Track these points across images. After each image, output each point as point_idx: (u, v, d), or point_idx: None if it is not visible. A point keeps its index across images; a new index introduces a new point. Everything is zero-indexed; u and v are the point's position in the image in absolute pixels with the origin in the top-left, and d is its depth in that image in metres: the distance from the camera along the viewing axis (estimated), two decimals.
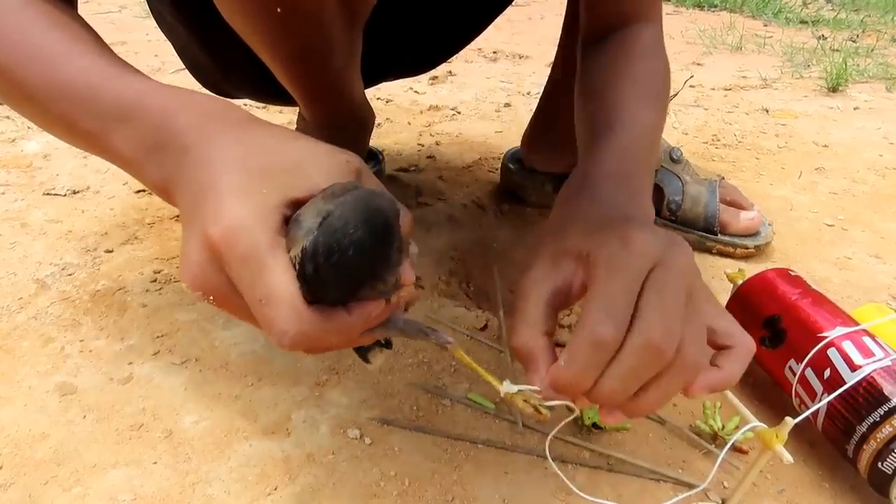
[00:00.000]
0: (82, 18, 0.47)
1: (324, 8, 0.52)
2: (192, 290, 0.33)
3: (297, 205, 0.32)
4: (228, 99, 0.88)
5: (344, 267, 0.29)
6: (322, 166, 0.33)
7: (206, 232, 0.31)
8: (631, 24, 0.60)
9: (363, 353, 0.44)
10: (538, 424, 0.55)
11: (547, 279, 0.39)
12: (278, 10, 0.49)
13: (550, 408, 0.37)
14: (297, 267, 0.30)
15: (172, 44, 0.77)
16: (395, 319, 0.37)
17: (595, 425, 0.54)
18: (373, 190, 0.31)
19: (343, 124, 0.78)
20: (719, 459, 0.43)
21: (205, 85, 0.81)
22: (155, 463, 0.50)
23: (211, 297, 0.33)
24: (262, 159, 0.33)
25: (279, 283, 0.30)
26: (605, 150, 0.48)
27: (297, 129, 0.90)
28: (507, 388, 0.38)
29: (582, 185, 0.47)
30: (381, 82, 0.87)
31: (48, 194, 0.88)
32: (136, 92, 0.39)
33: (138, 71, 0.43)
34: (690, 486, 0.50)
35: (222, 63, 0.72)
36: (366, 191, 0.30)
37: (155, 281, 0.71)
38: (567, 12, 0.83)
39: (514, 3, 0.84)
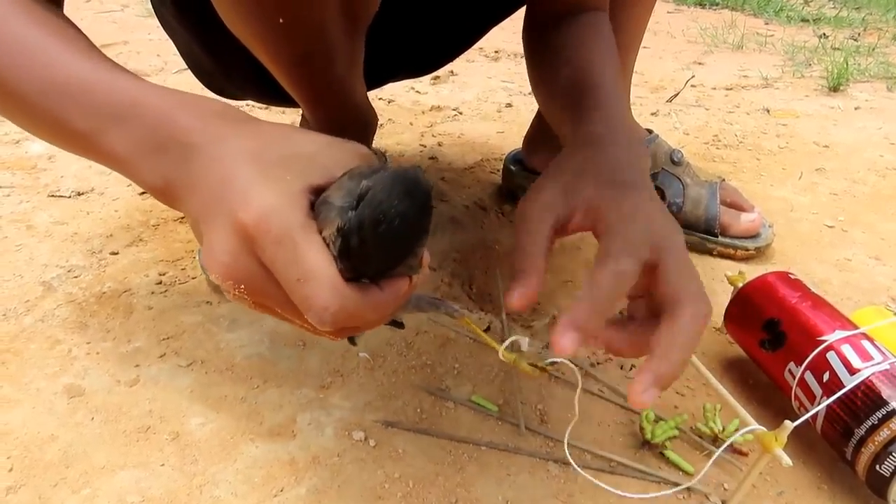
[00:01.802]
0: (68, 18, 0.47)
1: (325, 15, 0.53)
2: (223, 279, 0.33)
3: (318, 191, 0.32)
4: (231, 100, 0.89)
5: (391, 237, 0.30)
6: (334, 155, 0.34)
7: (236, 219, 0.31)
8: (588, 11, 0.64)
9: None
10: (541, 427, 0.56)
11: (554, 208, 0.42)
12: (280, 20, 0.49)
13: (553, 366, 0.41)
14: (338, 243, 0.30)
15: (175, 45, 0.78)
16: (410, 297, 0.38)
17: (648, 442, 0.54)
18: (401, 168, 0.31)
19: (346, 127, 0.78)
20: (714, 457, 0.44)
21: (207, 86, 0.81)
22: (162, 465, 0.51)
23: (242, 287, 0.33)
24: (277, 151, 0.34)
25: (317, 261, 0.30)
26: (602, 110, 0.51)
27: None
28: (524, 344, 0.41)
29: (588, 141, 0.49)
30: (384, 84, 0.87)
31: (53, 196, 0.89)
32: (130, 92, 0.38)
33: (130, 73, 0.42)
34: (691, 489, 0.51)
35: (225, 65, 0.73)
36: (401, 167, 0.31)
37: (160, 283, 0.72)
38: None
39: None
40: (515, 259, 0.41)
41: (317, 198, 0.32)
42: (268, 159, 0.33)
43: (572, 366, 0.41)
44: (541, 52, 0.65)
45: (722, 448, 0.45)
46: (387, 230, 0.29)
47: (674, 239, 0.40)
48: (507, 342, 0.42)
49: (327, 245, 0.31)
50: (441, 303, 0.41)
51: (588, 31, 0.63)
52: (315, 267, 0.30)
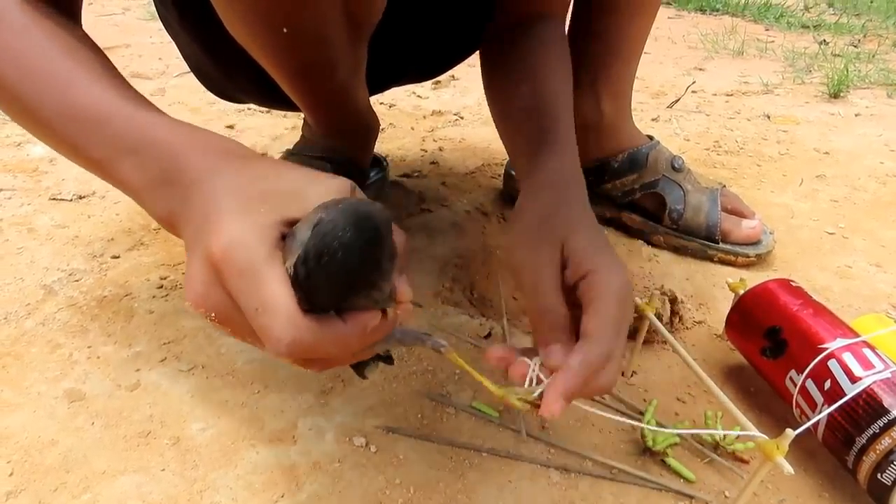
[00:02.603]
0: (87, 37, 0.48)
1: (328, 25, 0.53)
2: (195, 308, 0.34)
3: (293, 223, 0.33)
4: (233, 103, 0.89)
5: (335, 269, 0.30)
6: (317, 189, 0.35)
7: (207, 250, 0.33)
8: (544, 20, 0.67)
9: (359, 368, 0.45)
10: (542, 433, 0.56)
11: (555, 263, 0.46)
12: (284, 30, 0.50)
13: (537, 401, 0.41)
14: (293, 274, 0.31)
15: (178, 48, 0.78)
16: (392, 333, 0.38)
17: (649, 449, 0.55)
18: (362, 200, 0.32)
19: (347, 132, 0.78)
20: (691, 432, 0.44)
21: (209, 89, 0.81)
22: (163, 470, 0.51)
23: (213, 315, 0.34)
24: (260, 185, 0.35)
25: (274, 292, 0.31)
26: (564, 154, 0.56)
27: (302, 135, 0.90)
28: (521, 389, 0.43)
29: (555, 182, 0.54)
30: (386, 90, 0.87)
31: (54, 199, 0.89)
32: (143, 126, 0.41)
33: (143, 98, 0.45)
34: (692, 497, 0.51)
35: (227, 68, 0.73)
36: (356, 200, 0.31)
37: (161, 287, 0.72)
38: (571, 20, 0.84)
39: None
40: (547, 319, 0.44)
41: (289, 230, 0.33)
42: (249, 193, 0.35)
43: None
44: (496, 65, 0.68)
45: (709, 431, 0.45)
46: (330, 262, 0.29)
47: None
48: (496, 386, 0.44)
49: (289, 276, 0.31)
50: (427, 338, 0.41)
51: (543, 47, 0.66)
52: (272, 298, 0.31)
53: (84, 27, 0.50)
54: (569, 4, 0.71)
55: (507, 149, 0.63)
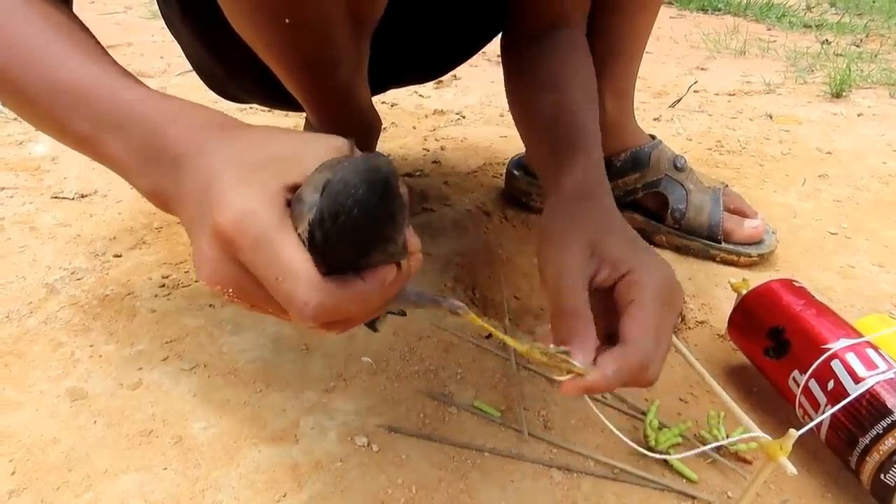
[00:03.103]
0: (78, 18, 0.48)
1: (331, 20, 0.53)
2: (210, 285, 0.33)
3: (295, 189, 0.33)
4: (235, 103, 0.89)
5: (352, 226, 0.29)
6: (313, 151, 0.34)
7: (215, 225, 0.32)
8: (564, 28, 0.68)
9: (372, 322, 0.45)
10: (544, 433, 0.56)
11: (585, 269, 0.45)
12: (286, 20, 0.49)
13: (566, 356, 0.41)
14: (307, 239, 0.31)
15: (180, 47, 0.78)
16: (407, 292, 0.39)
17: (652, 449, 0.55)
18: (365, 156, 0.31)
19: (349, 131, 0.78)
20: (702, 449, 0.44)
21: (212, 88, 0.81)
22: (165, 469, 0.51)
23: (230, 290, 0.33)
24: (256, 154, 0.34)
25: (293, 258, 0.31)
26: (590, 163, 0.56)
27: None
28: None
29: (582, 192, 0.53)
30: (389, 89, 0.87)
31: (56, 198, 0.89)
32: (127, 101, 0.40)
33: (131, 76, 0.44)
34: (695, 497, 0.51)
35: (229, 68, 0.73)
36: (361, 155, 0.31)
37: (163, 286, 0.72)
38: None
39: None
40: (566, 320, 0.43)
41: (294, 195, 0.33)
42: (246, 163, 0.34)
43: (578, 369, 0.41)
44: (519, 73, 0.68)
45: (713, 445, 0.45)
46: (346, 221, 0.29)
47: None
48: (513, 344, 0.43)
49: (302, 241, 0.31)
50: (443, 300, 0.41)
51: (567, 55, 0.66)
52: (291, 264, 0.31)
53: (86, 25, 0.50)
54: (585, 13, 0.70)
55: (532, 157, 0.64)
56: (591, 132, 0.59)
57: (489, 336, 0.67)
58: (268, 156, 0.34)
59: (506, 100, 0.71)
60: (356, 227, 0.29)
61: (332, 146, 0.35)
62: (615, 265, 0.45)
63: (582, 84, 0.64)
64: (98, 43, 0.47)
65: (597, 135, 0.59)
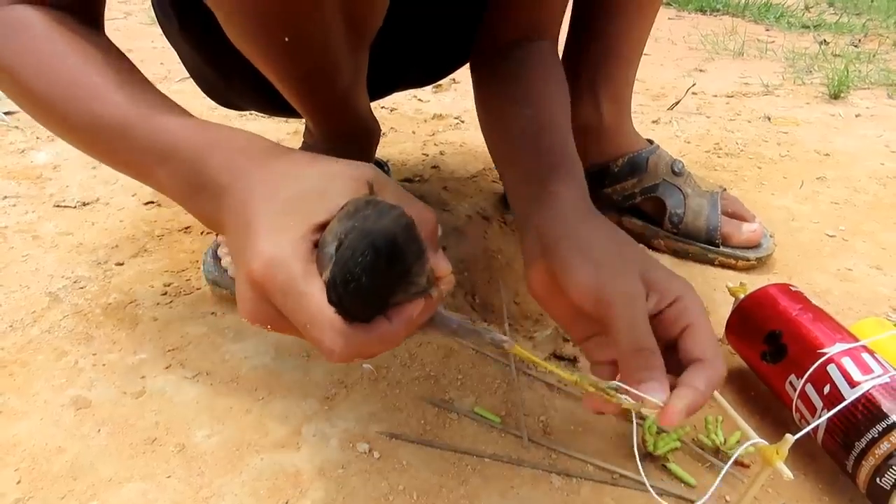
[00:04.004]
0: (110, 42, 0.50)
1: (329, 33, 0.53)
2: (251, 323, 0.36)
3: (322, 227, 0.35)
4: (234, 110, 0.89)
5: (363, 292, 0.31)
6: (337, 187, 0.36)
7: (249, 271, 0.34)
8: (541, 39, 0.67)
9: None
10: (544, 438, 0.57)
11: (643, 301, 0.44)
12: (286, 39, 0.50)
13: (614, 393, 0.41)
14: (327, 293, 0.32)
15: (178, 55, 0.79)
16: (448, 320, 0.40)
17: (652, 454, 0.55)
18: (380, 208, 0.32)
19: (349, 138, 0.79)
20: (721, 475, 0.44)
21: (209, 95, 0.82)
22: (168, 477, 0.52)
23: (269, 327, 0.36)
24: (286, 192, 0.37)
25: (317, 307, 0.33)
26: (580, 181, 0.55)
27: (303, 141, 0.91)
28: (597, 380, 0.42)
29: (587, 214, 0.52)
30: (387, 95, 0.88)
31: (58, 206, 0.89)
32: (168, 133, 0.42)
33: (169, 101, 0.46)
34: (693, 501, 0.51)
35: (227, 77, 0.73)
36: (374, 210, 0.32)
37: (165, 294, 0.72)
38: (571, 23, 0.84)
39: None
40: (644, 359, 0.42)
41: (321, 233, 0.34)
42: (277, 202, 0.36)
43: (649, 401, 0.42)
44: (491, 86, 0.67)
45: (727, 465, 0.45)
46: (356, 287, 0.31)
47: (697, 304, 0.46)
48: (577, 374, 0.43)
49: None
50: (487, 331, 0.41)
51: (541, 70, 0.65)
52: (317, 313, 0.33)
53: (120, 49, 0.51)
54: (560, 25, 0.71)
55: (506, 171, 0.61)
56: (574, 154, 0.58)
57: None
58: (298, 193, 0.36)
59: None
60: (367, 291, 0.31)
61: (358, 180, 0.37)
62: (663, 294, 0.45)
63: (557, 100, 0.64)
64: (132, 66, 0.49)
65: (577, 155, 0.59)
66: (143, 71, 0.50)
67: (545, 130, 0.59)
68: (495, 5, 0.68)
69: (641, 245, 0.51)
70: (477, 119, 0.70)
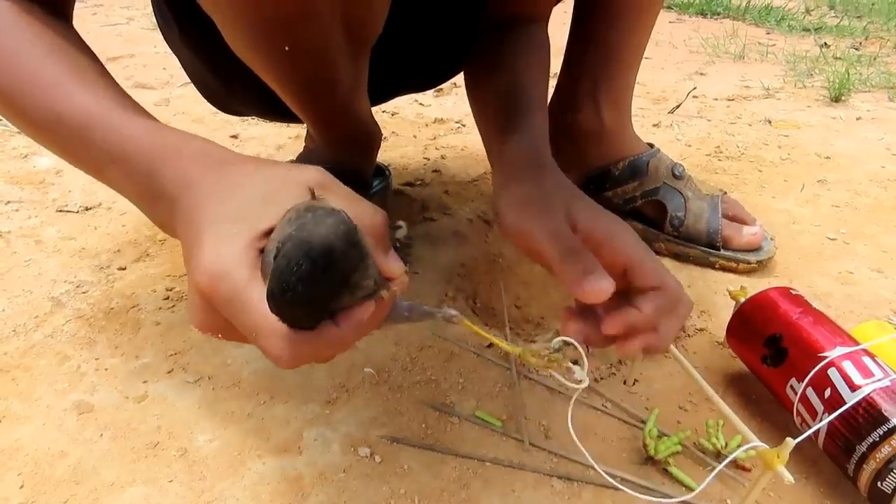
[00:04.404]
0: (77, 36, 0.49)
1: (330, 41, 0.54)
2: (202, 332, 0.37)
3: (269, 233, 0.35)
4: (234, 115, 0.89)
5: (299, 301, 0.31)
6: (286, 193, 0.37)
7: (196, 282, 0.35)
8: (533, 21, 0.73)
9: None
10: (545, 442, 0.57)
11: (567, 225, 0.47)
12: (286, 47, 0.51)
13: (558, 356, 0.42)
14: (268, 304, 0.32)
15: (180, 62, 0.79)
16: (399, 307, 0.40)
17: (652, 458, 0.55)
18: (317, 215, 0.32)
19: (350, 143, 0.79)
20: (714, 473, 0.44)
21: (211, 102, 0.82)
22: (170, 481, 0.52)
23: (219, 335, 0.37)
24: (233, 200, 0.37)
25: (261, 315, 0.33)
26: (541, 129, 0.60)
27: (305, 146, 0.92)
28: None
29: (535, 157, 0.57)
30: (389, 100, 0.88)
31: (61, 211, 0.90)
32: (125, 136, 0.42)
33: (130, 102, 0.46)
34: None
35: (228, 84, 0.74)
36: (310, 219, 0.31)
37: (167, 298, 0.72)
38: (571, 28, 0.85)
39: None
40: (576, 260, 0.44)
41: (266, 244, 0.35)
42: (224, 210, 0.36)
43: (581, 349, 0.42)
44: (479, 59, 0.72)
45: (723, 464, 0.46)
46: (293, 297, 0.30)
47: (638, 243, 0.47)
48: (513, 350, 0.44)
49: None
50: (437, 310, 0.42)
51: (526, 45, 0.70)
52: (262, 322, 0.33)
53: (88, 37, 0.51)
54: (552, 7, 0.75)
55: (481, 128, 0.68)
56: (540, 104, 0.64)
57: (490, 345, 0.68)
58: (243, 201, 0.37)
59: None
60: (304, 298, 0.31)
61: (303, 184, 0.37)
62: (592, 231, 0.47)
63: (535, 68, 0.68)
64: (98, 64, 0.49)
65: (545, 109, 0.64)
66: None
67: (516, 90, 0.64)
68: None
69: (577, 190, 0.52)
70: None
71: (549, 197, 0.50)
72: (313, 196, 0.37)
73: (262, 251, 0.35)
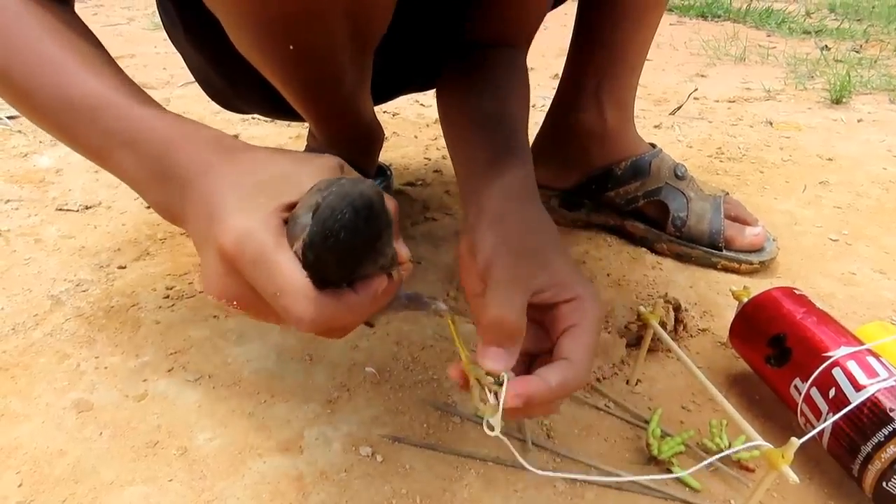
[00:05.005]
0: (81, 22, 0.49)
1: (334, 40, 0.53)
2: (216, 298, 0.37)
3: (291, 207, 0.35)
4: (238, 113, 0.89)
5: (340, 248, 0.32)
6: (308, 171, 0.37)
7: (219, 246, 0.35)
8: (511, 46, 0.68)
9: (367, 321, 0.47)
10: (547, 442, 0.56)
11: (528, 289, 0.44)
12: (290, 46, 0.50)
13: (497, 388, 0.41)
14: (302, 259, 0.33)
15: (184, 60, 0.79)
16: (400, 295, 0.41)
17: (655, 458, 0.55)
18: (354, 178, 0.34)
19: (352, 142, 0.79)
20: (706, 462, 0.44)
21: (215, 100, 0.82)
22: (170, 480, 0.51)
23: (235, 303, 0.36)
24: (256, 176, 0.37)
25: (289, 275, 0.33)
26: (525, 167, 0.56)
27: (307, 145, 0.91)
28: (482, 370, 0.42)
29: (521, 196, 0.52)
30: (391, 99, 0.88)
31: (61, 210, 0.90)
32: (135, 118, 0.42)
33: (137, 89, 0.46)
34: None
35: (232, 82, 0.73)
36: (348, 180, 0.33)
37: (167, 297, 0.72)
38: (575, 30, 0.84)
39: None
40: (506, 332, 0.41)
41: (290, 213, 0.36)
42: (246, 186, 0.37)
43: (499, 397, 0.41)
44: (456, 81, 0.67)
45: (717, 456, 0.46)
46: (335, 243, 0.32)
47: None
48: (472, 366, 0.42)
49: (298, 259, 0.34)
50: (432, 301, 0.43)
51: (503, 69, 0.66)
52: (288, 281, 0.33)
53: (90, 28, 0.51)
54: (533, 35, 0.71)
55: (458, 155, 0.62)
56: (523, 138, 0.60)
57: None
58: (266, 178, 0.37)
59: None
60: (344, 248, 0.32)
61: (325, 166, 0.38)
62: (563, 288, 0.44)
63: (517, 98, 0.64)
64: (102, 49, 0.49)
65: (528, 144, 0.60)
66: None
67: (499, 119, 0.60)
68: (470, 11, 0.68)
69: (559, 238, 0.49)
70: None
71: (532, 243, 0.47)
72: (342, 172, 0.38)
73: (286, 222, 0.35)
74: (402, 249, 0.38)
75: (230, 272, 0.35)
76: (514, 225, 0.48)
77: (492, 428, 0.40)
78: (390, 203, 0.38)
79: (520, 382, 0.40)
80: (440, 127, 0.69)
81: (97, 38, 0.50)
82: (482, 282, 0.45)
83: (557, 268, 0.46)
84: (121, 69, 0.48)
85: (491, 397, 0.40)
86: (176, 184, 0.40)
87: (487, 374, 0.41)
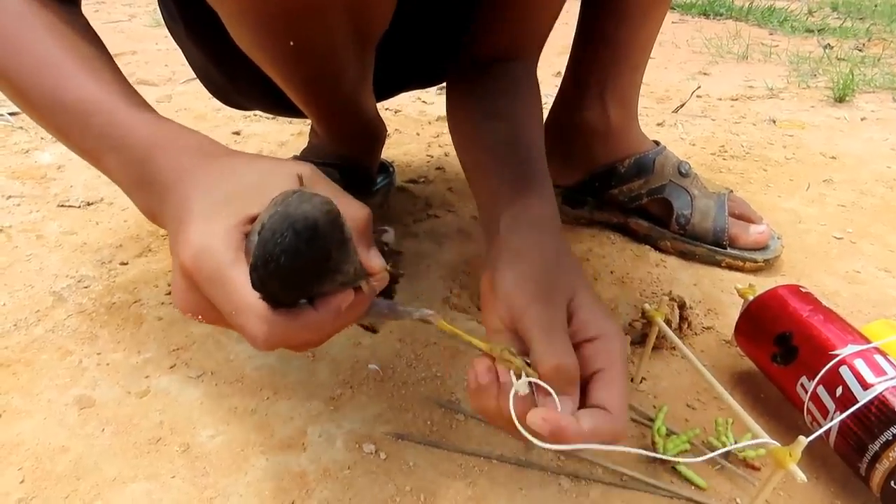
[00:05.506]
0: (85, 23, 0.49)
1: (335, 37, 0.53)
2: (182, 312, 0.37)
3: (255, 219, 0.35)
4: (239, 110, 0.89)
5: (282, 272, 0.31)
6: (275, 182, 0.37)
7: (180, 260, 0.35)
8: (520, 59, 0.67)
9: (370, 325, 0.48)
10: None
11: (565, 322, 0.43)
12: (291, 43, 0.50)
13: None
14: (250, 279, 0.33)
15: (185, 56, 0.79)
16: (378, 305, 0.41)
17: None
18: (304, 196, 0.32)
19: (355, 139, 0.79)
20: (709, 456, 0.44)
21: (216, 96, 0.82)
22: (173, 477, 0.51)
23: (200, 317, 0.37)
24: (227, 186, 0.38)
25: (242, 294, 0.33)
26: (547, 197, 0.55)
27: (309, 141, 0.91)
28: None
29: (543, 228, 0.51)
30: (393, 96, 0.87)
31: (62, 206, 0.89)
32: (122, 125, 0.43)
33: (131, 91, 0.46)
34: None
35: (233, 78, 0.73)
36: (297, 196, 0.32)
37: (169, 293, 0.72)
38: (578, 27, 0.84)
39: None
40: (558, 376, 0.40)
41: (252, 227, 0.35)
42: (216, 195, 0.37)
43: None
44: (468, 100, 0.65)
45: (718, 451, 0.46)
46: (276, 268, 0.31)
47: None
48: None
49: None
50: (415, 310, 0.43)
51: (519, 87, 0.65)
52: (241, 300, 0.33)
53: (93, 28, 0.51)
54: (541, 47, 0.70)
55: (477, 181, 0.60)
56: (545, 170, 0.57)
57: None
58: (238, 187, 0.37)
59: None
60: (286, 272, 0.31)
61: (293, 175, 0.38)
62: (584, 327, 0.43)
63: (531, 117, 0.62)
64: (103, 50, 0.49)
65: (548, 172, 0.57)
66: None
67: (518, 145, 0.58)
68: (475, 24, 0.67)
69: (581, 269, 0.48)
70: None
71: (555, 279, 0.46)
72: (301, 184, 0.38)
73: (247, 235, 0.35)
74: (373, 261, 0.38)
75: (191, 287, 0.35)
76: (534, 260, 0.47)
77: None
78: (361, 213, 0.38)
79: (552, 412, 0.39)
80: (449, 136, 0.68)
81: (98, 38, 0.50)
82: (502, 320, 0.45)
83: (578, 303, 0.44)
84: (118, 70, 0.48)
85: (520, 383, 0.40)
86: (157, 189, 0.40)
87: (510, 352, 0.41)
